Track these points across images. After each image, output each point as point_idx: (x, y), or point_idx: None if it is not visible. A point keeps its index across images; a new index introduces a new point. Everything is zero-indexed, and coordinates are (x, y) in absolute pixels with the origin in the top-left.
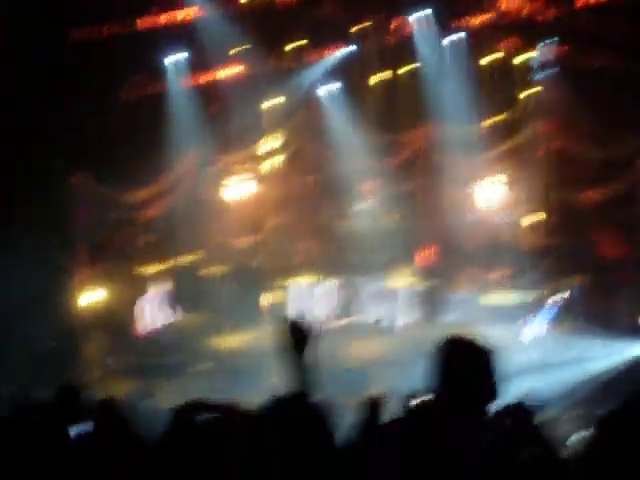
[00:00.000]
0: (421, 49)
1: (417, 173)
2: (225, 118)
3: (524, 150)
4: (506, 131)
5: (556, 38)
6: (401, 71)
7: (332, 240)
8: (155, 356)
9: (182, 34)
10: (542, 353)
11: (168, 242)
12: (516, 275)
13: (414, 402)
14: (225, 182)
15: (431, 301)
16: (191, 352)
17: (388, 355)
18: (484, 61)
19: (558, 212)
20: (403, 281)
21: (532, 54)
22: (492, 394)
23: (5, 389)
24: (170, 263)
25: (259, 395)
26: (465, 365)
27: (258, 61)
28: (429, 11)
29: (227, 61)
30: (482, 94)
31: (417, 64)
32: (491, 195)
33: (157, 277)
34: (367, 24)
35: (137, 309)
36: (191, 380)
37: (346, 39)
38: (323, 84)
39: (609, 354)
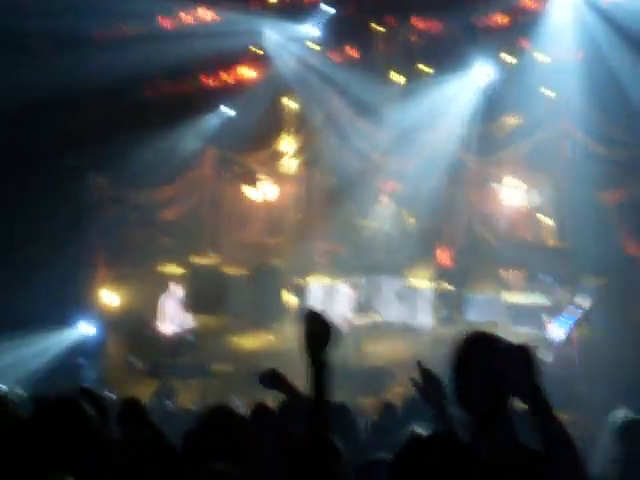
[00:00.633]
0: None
1: (436, 172)
2: (246, 117)
3: (546, 148)
4: (528, 129)
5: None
6: (420, 69)
7: (353, 239)
8: (176, 356)
9: (203, 32)
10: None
11: (188, 242)
12: (538, 275)
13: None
14: (245, 182)
15: (454, 301)
16: (211, 352)
17: (411, 355)
18: (504, 58)
19: (580, 211)
20: (425, 281)
21: (554, 53)
22: (517, 390)
23: (26, 390)
24: (190, 263)
25: (277, 396)
26: (487, 360)
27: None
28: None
29: (248, 59)
30: (504, 91)
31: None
32: (512, 194)
33: (177, 277)
34: (388, 25)
35: (158, 309)
36: (211, 381)
37: (369, 38)
38: (342, 83)
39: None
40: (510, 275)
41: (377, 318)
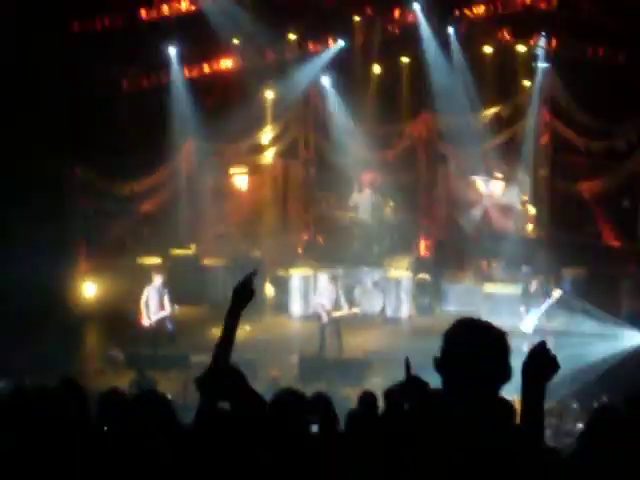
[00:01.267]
0: (422, 39)
1: (417, 163)
2: (224, 109)
3: (525, 140)
4: (507, 121)
5: (556, 27)
6: (402, 61)
7: (333, 230)
8: (156, 347)
9: (183, 25)
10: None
11: (167, 234)
12: (516, 265)
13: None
14: (225, 173)
15: (432, 291)
16: (191, 343)
17: (392, 345)
18: (485, 51)
19: (559, 202)
20: (404, 271)
21: (532, 43)
22: (507, 375)
23: (7, 381)
24: (169, 254)
25: (259, 387)
26: (481, 345)
27: (259, 51)
28: (427, 1)
29: (228, 52)
30: (483, 83)
31: (418, 54)
32: (491, 185)
33: (157, 268)
34: (367, 15)
35: (142, 300)
36: (191, 372)
37: (347, 29)
38: (323, 75)
39: (607, 343)
40: (488, 265)
41: (356, 309)
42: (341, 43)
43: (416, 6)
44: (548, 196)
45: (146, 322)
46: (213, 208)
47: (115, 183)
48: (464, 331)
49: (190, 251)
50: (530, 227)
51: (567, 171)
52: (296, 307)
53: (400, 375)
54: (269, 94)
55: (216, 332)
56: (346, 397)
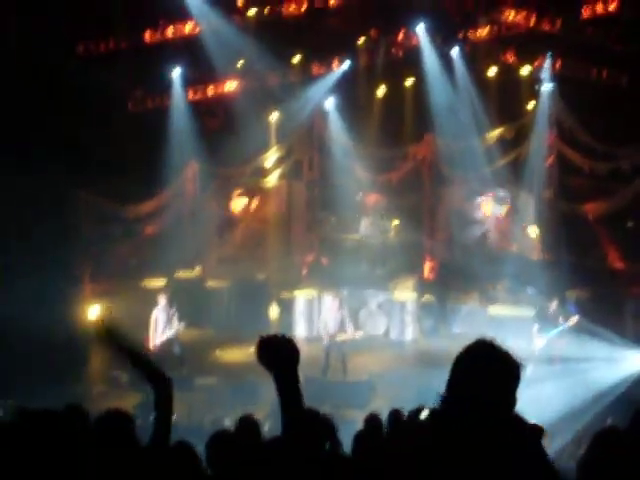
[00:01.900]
0: (426, 61)
1: (421, 185)
2: (228, 132)
3: (529, 162)
4: (511, 143)
5: (560, 50)
6: (406, 83)
7: (337, 252)
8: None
9: (187, 48)
10: (550, 364)
11: (172, 255)
12: (521, 287)
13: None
14: (229, 195)
15: (438, 313)
16: (195, 366)
17: (396, 367)
18: (489, 73)
19: (563, 224)
20: (409, 293)
21: (536, 66)
22: (510, 409)
23: (9, 404)
24: (173, 277)
25: (262, 410)
26: (496, 372)
27: (263, 74)
28: (432, 23)
29: (231, 74)
30: (487, 105)
31: (421, 76)
32: (496, 208)
33: (162, 290)
34: (371, 37)
35: (150, 323)
36: (195, 394)
37: (351, 52)
38: (328, 97)
39: (616, 366)
40: (493, 287)
41: (361, 331)
42: (347, 63)
43: (420, 28)
44: (552, 218)
45: (152, 343)
46: (217, 230)
47: (119, 206)
48: (481, 354)
49: (194, 273)
50: (535, 248)
51: (571, 193)
52: (300, 329)
53: (404, 398)
54: (273, 116)
55: (220, 354)
56: (351, 420)
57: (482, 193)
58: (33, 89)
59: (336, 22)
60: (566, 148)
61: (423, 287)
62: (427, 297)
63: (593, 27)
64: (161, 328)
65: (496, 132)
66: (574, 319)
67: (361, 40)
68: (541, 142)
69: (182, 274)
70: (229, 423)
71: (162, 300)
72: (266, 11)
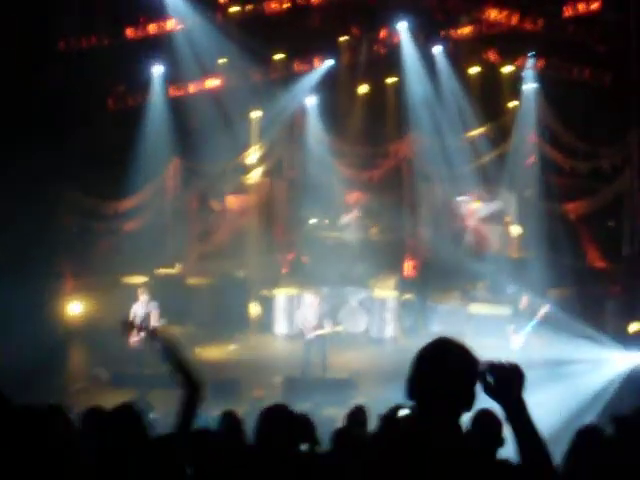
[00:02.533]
0: (407, 59)
1: (402, 183)
2: (210, 129)
3: (510, 160)
4: (493, 142)
5: (543, 49)
6: (388, 81)
7: (318, 250)
8: (141, 367)
9: (169, 45)
10: (529, 364)
11: (153, 252)
12: (502, 286)
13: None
14: (210, 193)
15: (418, 311)
16: None
17: (376, 365)
18: (470, 71)
19: (544, 223)
20: (389, 291)
21: (519, 65)
22: (472, 402)
23: None
24: (155, 273)
25: (243, 407)
26: (456, 366)
27: (245, 72)
28: (414, 21)
29: (213, 72)
30: (469, 105)
31: (403, 74)
32: (477, 206)
33: (143, 287)
34: (353, 35)
35: (129, 317)
36: (176, 391)
37: (333, 50)
38: (310, 95)
39: (599, 369)
40: (473, 286)
41: (341, 329)
42: (330, 62)
43: (402, 26)
44: (533, 216)
45: (133, 341)
46: (198, 227)
47: (100, 202)
48: (435, 352)
49: (175, 270)
50: (515, 248)
51: (552, 192)
52: (280, 327)
53: (384, 396)
54: (255, 114)
55: (200, 351)
56: (331, 417)
57: (464, 192)
58: (15, 85)
59: (318, 20)
60: (548, 147)
61: (404, 285)
62: (408, 295)
63: (575, 26)
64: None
65: (478, 130)
66: (544, 309)
67: (343, 38)
68: (523, 141)
69: (163, 271)
70: (210, 420)
71: (142, 296)
72: (248, 8)
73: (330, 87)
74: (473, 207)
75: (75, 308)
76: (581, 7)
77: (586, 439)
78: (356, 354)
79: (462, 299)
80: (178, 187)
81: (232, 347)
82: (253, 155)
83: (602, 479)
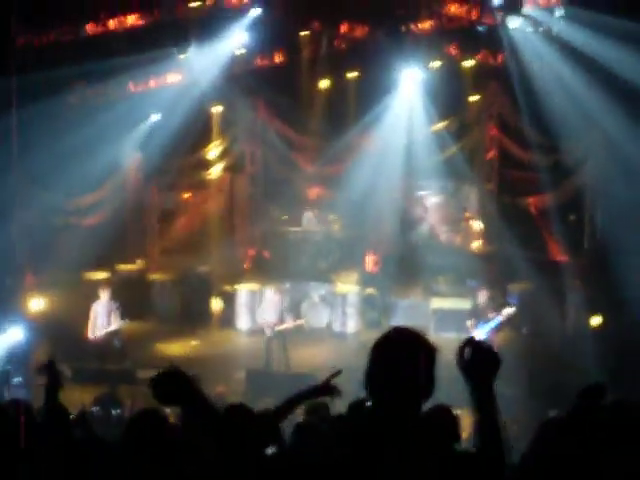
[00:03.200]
0: (369, 54)
1: (364, 179)
2: (171, 123)
3: (471, 155)
4: (453, 136)
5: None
6: (348, 76)
7: (279, 245)
8: (103, 363)
9: (130, 39)
10: None
11: (114, 248)
12: (463, 280)
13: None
14: (171, 188)
15: (380, 306)
16: (138, 359)
17: (338, 360)
18: (432, 65)
19: (505, 217)
20: (351, 286)
21: (480, 59)
22: (430, 391)
23: None
24: (115, 270)
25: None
26: (413, 355)
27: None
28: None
29: (174, 66)
30: (430, 98)
31: (364, 69)
32: (438, 200)
33: (104, 284)
34: (315, 29)
35: (90, 315)
36: (138, 387)
37: (294, 44)
38: (271, 89)
39: None
40: (436, 280)
41: (303, 323)
42: (289, 55)
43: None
44: (494, 211)
45: (91, 336)
46: (159, 223)
47: (60, 197)
48: (391, 343)
49: (136, 266)
50: (476, 242)
51: (513, 186)
52: (242, 322)
53: (347, 390)
54: (216, 109)
55: (162, 347)
56: (294, 413)
57: (424, 186)
58: None
59: (279, 14)
60: (508, 141)
61: (366, 280)
62: (370, 290)
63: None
64: (100, 322)
65: (439, 125)
66: (510, 310)
67: (304, 33)
68: (483, 135)
69: (124, 267)
70: (173, 417)
71: (103, 294)
72: (208, 2)
73: (291, 81)
74: (437, 203)
75: (36, 304)
76: (541, 1)
77: (548, 431)
78: (318, 349)
79: (424, 293)
80: (139, 182)
81: (194, 343)
82: (214, 150)
83: (559, 470)
